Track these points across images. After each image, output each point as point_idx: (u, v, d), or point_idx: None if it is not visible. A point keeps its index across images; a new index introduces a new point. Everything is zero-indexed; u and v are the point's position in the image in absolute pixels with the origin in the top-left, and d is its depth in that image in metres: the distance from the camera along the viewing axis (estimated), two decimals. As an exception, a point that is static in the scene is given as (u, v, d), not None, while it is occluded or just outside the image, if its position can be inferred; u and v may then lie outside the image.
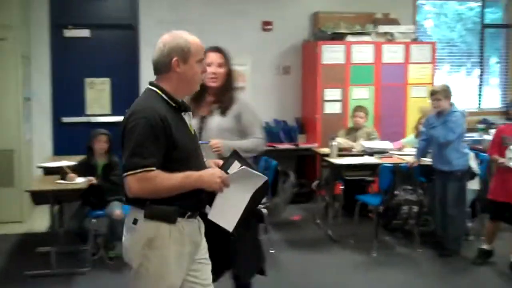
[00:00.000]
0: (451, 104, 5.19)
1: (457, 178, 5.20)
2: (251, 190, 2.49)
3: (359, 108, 6.54)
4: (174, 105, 2.49)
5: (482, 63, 8.71)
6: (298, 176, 7.17)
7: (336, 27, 7.40)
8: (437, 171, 5.34)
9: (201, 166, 2.52)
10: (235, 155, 2.57)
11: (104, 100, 7.29)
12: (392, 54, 7.35)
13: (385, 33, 7.40)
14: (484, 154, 5.98)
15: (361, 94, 7.27)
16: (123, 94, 7.20)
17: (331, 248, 5.57)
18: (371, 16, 7.69)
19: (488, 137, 6.79)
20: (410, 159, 5.54)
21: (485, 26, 8.61)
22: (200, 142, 2.77)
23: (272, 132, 7.27)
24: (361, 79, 7.28)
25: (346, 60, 7.20)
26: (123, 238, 2.53)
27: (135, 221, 2.44)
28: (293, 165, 7.44)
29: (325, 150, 6.29)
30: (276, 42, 7.67)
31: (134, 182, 2.34)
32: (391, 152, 6.03)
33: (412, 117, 6.99)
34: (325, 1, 7.79)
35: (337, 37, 7.30)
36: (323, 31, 7.37)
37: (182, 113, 2.53)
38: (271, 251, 5.31)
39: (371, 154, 5.94)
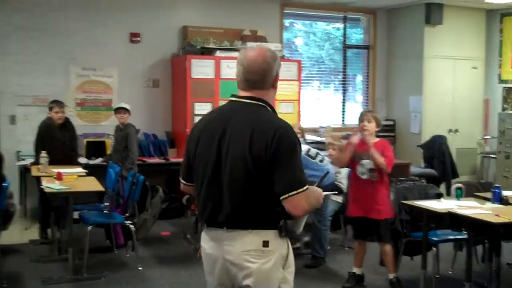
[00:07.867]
0: None
1: None
2: None
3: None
4: None
5: (344, 81, 9.14)
6: (169, 191, 7.06)
7: (205, 42, 7.42)
8: None
9: None
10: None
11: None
12: (261, 70, 7.46)
13: (254, 50, 7.51)
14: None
15: (231, 109, 7.30)
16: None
17: (201, 264, 5.45)
18: (239, 33, 7.80)
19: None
20: None
21: (347, 46, 9.07)
22: None
23: (141, 146, 7.10)
24: (230, 93, 7.27)
25: (215, 75, 7.22)
26: (251, 266, 2.33)
27: (265, 244, 2.32)
28: (163, 180, 7.28)
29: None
30: (145, 55, 7.51)
31: (305, 199, 2.28)
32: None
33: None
34: (194, 15, 7.78)
35: (206, 52, 7.31)
36: (193, 45, 7.35)
37: None
38: (139, 268, 5.14)
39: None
